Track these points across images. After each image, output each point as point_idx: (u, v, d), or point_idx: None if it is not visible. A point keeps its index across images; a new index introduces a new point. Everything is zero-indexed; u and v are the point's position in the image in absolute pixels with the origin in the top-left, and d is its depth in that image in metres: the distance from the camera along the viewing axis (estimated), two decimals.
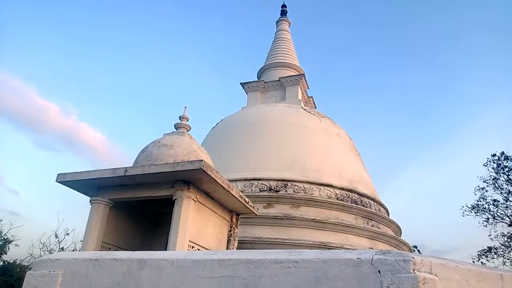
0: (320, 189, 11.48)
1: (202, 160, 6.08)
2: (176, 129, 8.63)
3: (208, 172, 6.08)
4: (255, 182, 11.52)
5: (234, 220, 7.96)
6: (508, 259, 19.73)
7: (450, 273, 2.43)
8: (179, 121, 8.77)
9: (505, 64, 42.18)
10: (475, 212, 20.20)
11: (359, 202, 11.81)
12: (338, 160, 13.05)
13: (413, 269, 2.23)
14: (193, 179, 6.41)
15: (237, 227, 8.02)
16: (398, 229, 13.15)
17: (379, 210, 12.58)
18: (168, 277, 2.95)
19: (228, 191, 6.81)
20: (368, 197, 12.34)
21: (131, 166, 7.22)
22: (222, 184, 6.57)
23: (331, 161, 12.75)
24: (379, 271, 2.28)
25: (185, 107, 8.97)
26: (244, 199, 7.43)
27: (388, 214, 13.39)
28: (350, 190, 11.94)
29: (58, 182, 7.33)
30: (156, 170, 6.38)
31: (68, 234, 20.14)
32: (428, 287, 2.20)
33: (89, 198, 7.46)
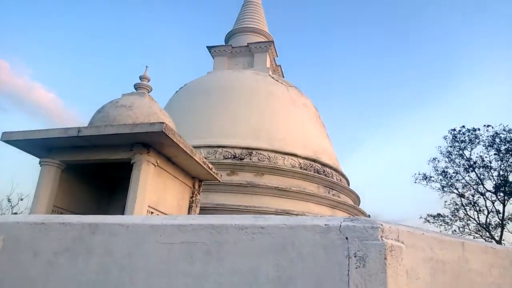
0: (285, 158, 11.52)
1: (163, 123, 5.80)
2: (135, 89, 8.18)
3: (169, 136, 5.82)
4: (219, 149, 11.36)
5: (196, 186, 7.81)
6: (456, 226, 21.13)
7: (416, 240, 2.42)
8: (139, 81, 8.31)
9: (470, 35, 43.57)
10: (426, 181, 21.26)
11: (322, 172, 12.00)
12: (303, 130, 13.09)
13: (381, 236, 2.19)
14: (153, 142, 6.13)
15: (199, 194, 7.89)
16: (357, 199, 13.59)
17: (340, 180, 12.88)
18: (123, 243, 2.77)
19: (191, 156, 6.61)
20: (330, 167, 12.56)
21: (86, 126, 6.80)
22: (185, 149, 6.35)
23: (296, 131, 12.77)
24: (346, 238, 2.22)
25: (146, 66, 8.49)
26: (207, 165, 7.26)
27: (349, 184, 13.76)
28: (314, 160, 12.08)
29: (3, 141, 6.80)
30: (113, 131, 6.03)
31: (22, 199, 19.22)
32: (395, 254, 2.18)
33: (39, 159, 7.01)
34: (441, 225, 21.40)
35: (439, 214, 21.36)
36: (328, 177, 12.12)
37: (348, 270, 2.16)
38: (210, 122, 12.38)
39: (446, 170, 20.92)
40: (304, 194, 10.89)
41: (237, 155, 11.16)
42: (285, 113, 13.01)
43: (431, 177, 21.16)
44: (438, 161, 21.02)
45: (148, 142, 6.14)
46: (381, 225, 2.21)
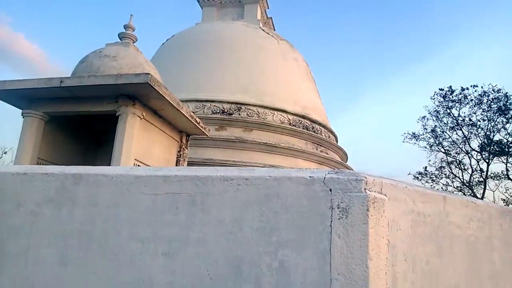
0: (274, 114, 11.49)
1: (148, 74, 5.64)
2: (120, 39, 7.87)
3: (155, 87, 5.70)
4: (208, 104, 11.24)
5: (184, 140, 7.79)
6: (441, 184, 21.82)
7: (399, 193, 2.46)
8: (124, 30, 7.98)
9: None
10: (415, 139, 21.65)
11: (311, 128, 12.05)
12: (293, 85, 12.96)
13: (364, 188, 2.21)
14: (139, 94, 6.01)
15: (187, 148, 7.88)
16: (344, 156, 13.79)
17: (329, 136, 12.99)
18: (107, 193, 2.77)
19: (177, 109, 6.52)
20: (319, 124, 12.60)
21: (69, 76, 6.60)
22: (171, 102, 6.24)
23: (286, 86, 12.63)
24: (330, 190, 2.24)
25: (131, 15, 8.13)
26: (194, 119, 7.20)
27: (337, 141, 13.90)
28: (303, 116, 12.08)
29: None
30: (97, 82, 5.87)
31: (5, 152, 19.06)
32: (377, 206, 2.21)
33: (21, 111, 6.85)
34: (427, 181, 22.05)
35: (426, 171, 21.93)
36: (317, 133, 12.19)
37: (331, 221, 2.20)
38: (198, 76, 12.14)
39: (434, 129, 21.23)
40: (293, 150, 10.99)
41: (225, 110, 11.08)
42: (275, 68, 12.80)
43: (419, 135, 21.50)
44: (427, 119, 21.26)
45: (133, 94, 6.01)
46: (365, 177, 2.22)
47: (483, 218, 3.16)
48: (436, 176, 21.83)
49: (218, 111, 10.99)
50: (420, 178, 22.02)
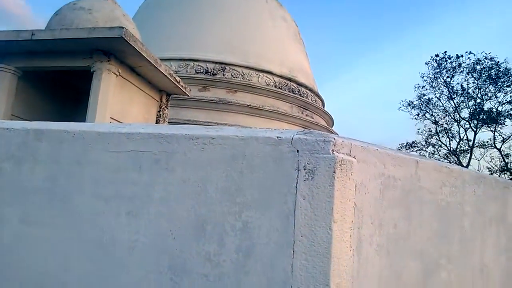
0: (259, 75, 11.28)
1: (123, 28, 5.39)
2: None
3: (130, 43, 5.47)
4: (191, 63, 10.96)
5: (164, 100, 7.62)
6: (427, 152, 22.21)
7: (369, 156, 2.42)
8: None
9: None
10: (411, 108, 21.81)
11: (297, 92, 11.92)
12: (281, 46, 12.67)
13: (332, 150, 2.16)
14: (114, 50, 5.77)
15: (167, 108, 7.73)
16: (330, 120, 13.79)
17: (315, 101, 12.90)
18: (69, 150, 2.68)
19: (155, 67, 6.31)
20: (306, 87, 12.47)
21: (41, 29, 6.29)
22: (148, 59, 6.03)
23: (273, 47, 12.34)
24: (297, 151, 2.18)
25: None
26: (174, 77, 7.01)
27: (324, 106, 13.84)
28: (289, 79, 11.90)
29: None
30: (69, 35, 5.60)
31: None
32: (345, 168, 2.17)
33: None
34: (416, 150, 22.38)
35: (414, 142, 22.22)
36: (303, 97, 12.09)
37: (297, 183, 2.16)
38: (181, 34, 11.75)
39: (428, 97, 21.32)
40: (278, 114, 10.91)
41: (209, 70, 10.83)
42: (262, 27, 12.45)
43: (414, 103, 21.60)
44: (423, 87, 21.28)
45: (108, 50, 5.77)
46: (333, 139, 2.17)
47: (456, 183, 3.18)
48: (423, 145, 22.18)
49: (201, 71, 10.74)
50: (408, 148, 22.34)
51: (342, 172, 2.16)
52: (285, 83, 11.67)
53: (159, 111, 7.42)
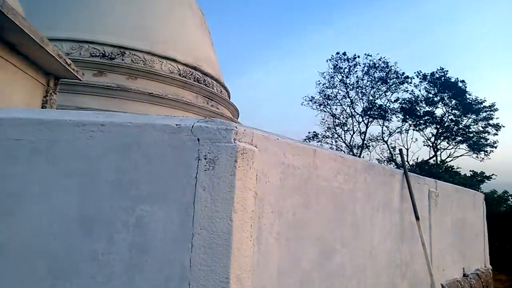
0: (162, 62, 10.84)
1: None
2: None
3: (9, 16, 4.77)
4: (86, 45, 10.06)
5: (52, 84, 6.84)
6: (326, 143, 23.83)
7: (270, 145, 2.44)
8: None
9: None
10: (312, 103, 23.19)
11: (202, 81, 11.75)
12: (186, 34, 12.33)
13: (234, 139, 2.12)
14: None
15: (55, 93, 6.96)
16: (236, 112, 13.91)
17: (221, 91, 12.88)
18: None
19: (41, 46, 5.61)
20: (212, 77, 12.36)
21: None
22: (32, 36, 5.33)
23: (179, 34, 11.95)
24: (198, 139, 2.10)
25: None
26: (64, 59, 6.33)
27: (229, 97, 13.89)
28: (195, 68, 11.67)
29: None
30: None
31: None
32: (246, 157, 2.15)
33: None
34: (318, 142, 23.84)
35: (315, 134, 23.68)
36: (209, 87, 11.96)
37: (197, 173, 2.08)
38: (79, 14, 10.70)
39: (328, 93, 22.86)
40: (181, 103, 10.63)
41: (107, 54, 10.07)
42: (167, 13, 11.96)
43: (315, 99, 23.01)
44: (323, 84, 22.75)
45: None
46: (235, 127, 2.13)
47: (349, 172, 3.40)
48: (324, 138, 23.78)
49: (97, 54, 9.92)
50: (310, 139, 23.74)
51: (244, 161, 2.14)
52: (190, 71, 11.41)
53: (45, 97, 6.65)
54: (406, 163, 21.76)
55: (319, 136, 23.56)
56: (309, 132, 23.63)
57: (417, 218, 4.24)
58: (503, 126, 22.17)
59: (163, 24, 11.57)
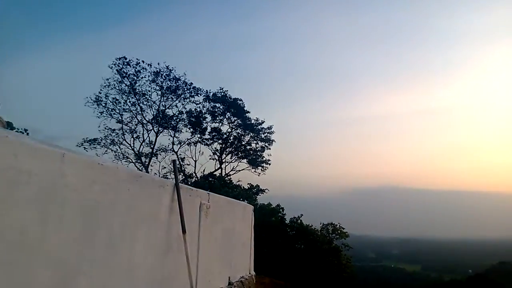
0: None
1: None
2: None
3: None
4: None
5: None
6: (111, 150, 22.42)
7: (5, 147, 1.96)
8: None
9: None
10: (97, 104, 21.41)
11: None
12: None
13: None
14: None
15: None
16: None
17: None
18: None
19: None
20: None
21: None
22: None
23: None
24: None
25: None
26: None
27: None
28: None
29: None
30: None
31: None
32: None
33: None
34: (96, 148, 22.02)
35: (95, 139, 21.91)
36: None
37: None
38: None
39: (114, 97, 21.58)
40: None
41: None
42: None
43: (101, 101, 21.33)
44: (108, 86, 21.36)
45: None
46: None
47: (110, 181, 3.11)
48: (104, 143, 22.23)
49: None
50: (88, 146, 21.80)
51: None
52: None
53: None
54: (179, 174, 22.70)
55: (100, 142, 21.85)
56: (83, 139, 21.54)
57: (184, 231, 4.28)
58: (275, 141, 25.86)
59: None
